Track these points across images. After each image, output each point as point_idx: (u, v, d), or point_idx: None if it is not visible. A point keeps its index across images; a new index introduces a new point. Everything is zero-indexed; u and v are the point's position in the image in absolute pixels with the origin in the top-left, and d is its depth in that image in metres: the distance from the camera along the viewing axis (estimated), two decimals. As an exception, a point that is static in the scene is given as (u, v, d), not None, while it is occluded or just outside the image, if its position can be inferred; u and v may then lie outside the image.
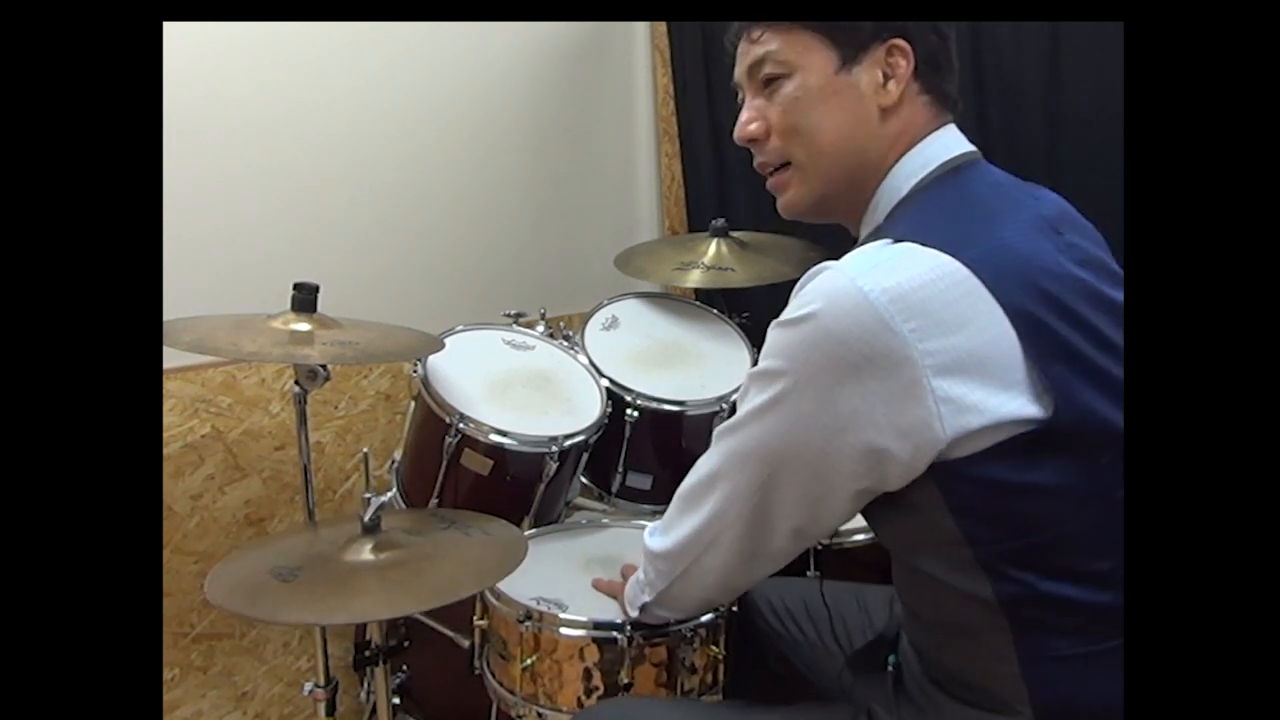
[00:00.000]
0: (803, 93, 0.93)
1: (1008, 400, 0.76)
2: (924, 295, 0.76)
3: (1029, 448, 0.77)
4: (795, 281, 0.85)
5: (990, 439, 0.77)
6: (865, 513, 0.88)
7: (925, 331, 0.76)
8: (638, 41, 2.20)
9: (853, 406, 0.78)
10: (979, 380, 0.76)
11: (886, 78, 0.92)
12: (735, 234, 1.74)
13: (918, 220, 0.86)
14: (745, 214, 1.93)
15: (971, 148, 0.94)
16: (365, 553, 1.06)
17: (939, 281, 0.77)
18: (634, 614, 1.09)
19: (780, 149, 0.96)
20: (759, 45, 0.95)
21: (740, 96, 1.01)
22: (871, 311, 0.76)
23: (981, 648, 0.84)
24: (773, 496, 0.87)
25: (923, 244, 0.79)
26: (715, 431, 0.93)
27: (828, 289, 0.79)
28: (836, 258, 0.83)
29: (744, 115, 0.98)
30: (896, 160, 0.92)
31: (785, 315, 0.83)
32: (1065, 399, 0.76)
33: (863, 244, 0.86)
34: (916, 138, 0.92)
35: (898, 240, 0.81)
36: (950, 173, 0.91)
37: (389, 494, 1.50)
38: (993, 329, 0.76)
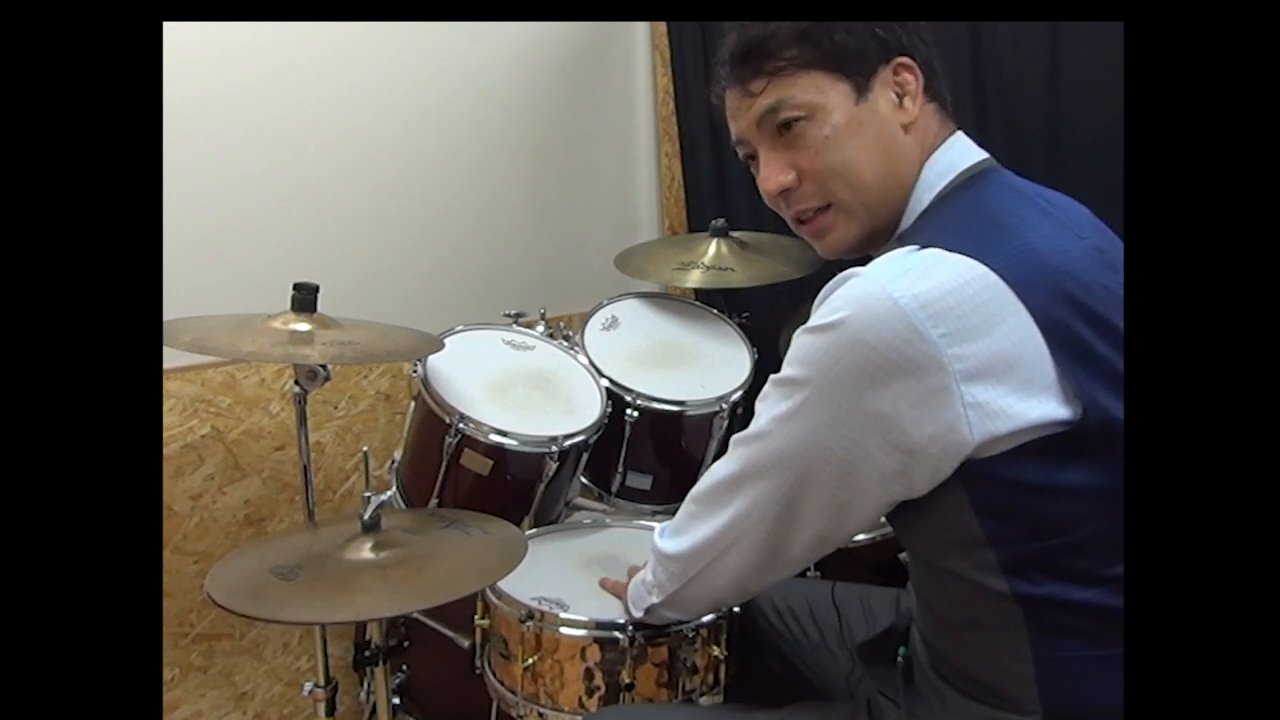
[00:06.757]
0: (831, 131, 0.91)
1: (1036, 405, 0.76)
2: (953, 300, 0.76)
3: (1054, 449, 0.77)
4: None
5: (1017, 440, 0.76)
6: (888, 514, 0.88)
7: (955, 337, 0.75)
8: (638, 41, 2.20)
9: (880, 412, 0.78)
10: (1007, 385, 0.76)
11: (900, 96, 0.92)
12: (735, 234, 1.74)
13: (942, 227, 0.85)
14: (745, 214, 1.93)
15: (986, 155, 0.94)
16: (365, 551, 1.06)
17: (967, 286, 0.76)
18: (638, 614, 1.08)
19: (819, 192, 0.94)
20: (764, 96, 0.93)
21: (744, 154, 0.99)
22: (902, 317, 0.76)
23: (997, 645, 0.84)
24: (798, 502, 0.86)
25: (948, 249, 0.79)
26: (734, 438, 0.92)
27: (857, 295, 0.79)
28: (862, 263, 0.83)
29: (767, 169, 0.95)
30: (919, 172, 0.92)
31: (813, 321, 0.82)
32: (1092, 403, 0.76)
33: (885, 251, 0.85)
34: (932, 147, 0.93)
35: (923, 246, 0.81)
36: (970, 181, 0.91)
37: (389, 493, 1.50)
38: (1020, 333, 0.76)
